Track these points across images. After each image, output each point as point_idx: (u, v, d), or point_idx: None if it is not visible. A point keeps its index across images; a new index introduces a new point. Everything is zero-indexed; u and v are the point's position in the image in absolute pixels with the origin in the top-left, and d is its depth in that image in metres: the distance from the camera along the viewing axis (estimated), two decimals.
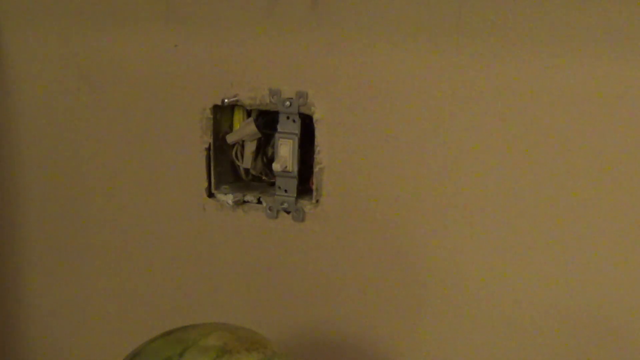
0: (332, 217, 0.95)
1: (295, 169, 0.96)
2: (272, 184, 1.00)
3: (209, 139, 0.98)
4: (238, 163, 1.01)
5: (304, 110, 0.93)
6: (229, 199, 0.99)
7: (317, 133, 0.94)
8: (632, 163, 0.82)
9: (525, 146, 0.85)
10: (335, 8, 0.89)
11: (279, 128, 0.96)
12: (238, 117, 1.00)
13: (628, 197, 0.83)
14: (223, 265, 1.02)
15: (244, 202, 1.00)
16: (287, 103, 0.93)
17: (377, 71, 0.89)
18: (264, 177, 1.02)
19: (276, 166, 0.95)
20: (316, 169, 0.95)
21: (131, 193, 1.04)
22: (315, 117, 0.93)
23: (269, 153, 1.00)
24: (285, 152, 0.95)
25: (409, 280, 0.94)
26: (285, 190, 0.97)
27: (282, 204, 0.97)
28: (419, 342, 0.95)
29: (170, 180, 1.01)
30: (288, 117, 0.95)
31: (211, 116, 0.97)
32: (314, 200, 0.96)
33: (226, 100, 0.96)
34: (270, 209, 0.98)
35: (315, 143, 0.94)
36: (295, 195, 0.97)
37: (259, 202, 0.99)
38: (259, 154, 1.00)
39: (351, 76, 0.90)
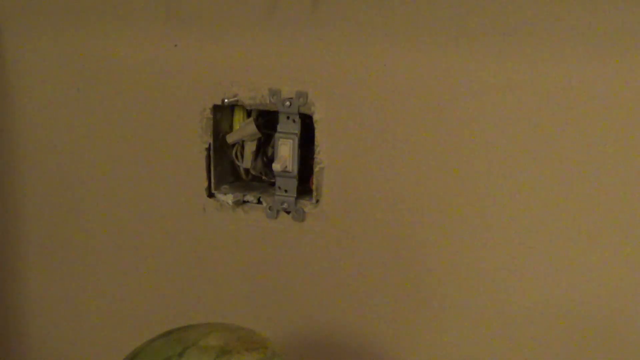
0: (332, 217, 0.95)
1: (295, 169, 0.96)
2: (272, 184, 1.00)
3: (209, 139, 0.98)
4: (238, 163, 1.01)
5: (304, 110, 0.93)
6: (229, 199, 0.99)
7: (317, 133, 0.94)
8: (632, 163, 0.82)
9: (525, 146, 0.85)
10: (335, 8, 0.89)
11: (279, 128, 0.96)
12: (238, 117, 1.00)
13: (628, 197, 0.83)
14: (223, 265, 1.02)
15: (244, 202, 1.00)
16: (287, 103, 0.93)
17: (377, 71, 0.89)
18: (264, 177, 1.02)
19: (276, 166, 0.95)
20: (316, 169, 0.95)
21: (131, 193, 1.04)
22: (315, 117, 0.93)
23: (269, 153, 1.00)
24: (285, 152, 0.95)
25: (409, 279, 0.94)
26: (285, 190, 0.97)
27: (282, 204, 0.97)
28: (419, 341, 0.95)
29: (170, 181, 1.01)
30: (288, 117, 0.95)
31: (211, 116, 0.97)
32: (314, 200, 0.96)
33: (226, 100, 0.96)
34: (270, 209, 0.98)
35: (315, 143, 0.94)
36: (295, 195, 0.97)
37: (259, 202, 0.99)
38: (259, 154, 1.00)
39: (351, 76, 0.90)
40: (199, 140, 0.99)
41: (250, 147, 0.99)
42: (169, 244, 1.04)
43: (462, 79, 0.86)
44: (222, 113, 0.99)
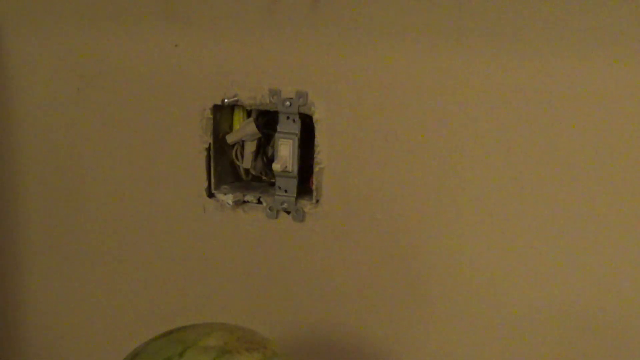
0: (332, 217, 0.95)
1: (295, 169, 0.96)
2: (272, 184, 1.00)
3: (209, 139, 0.98)
4: (238, 163, 1.01)
5: (304, 110, 0.93)
6: (229, 199, 0.99)
7: (317, 133, 0.94)
8: (631, 163, 0.82)
9: (525, 146, 0.85)
10: (335, 8, 0.89)
11: (279, 128, 0.96)
12: (238, 117, 1.00)
13: (628, 197, 0.83)
14: (223, 265, 1.02)
15: (244, 202, 1.00)
16: (287, 103, 0.93)
17: (377, 71, 0.89)
18: (264, 177, 1.02)
19: (276, 166, 0.95)
20: (316, 169, 0.95)
21: (131, 193, 1.04)
22: (315, 117, 0.93)
23: (269, 153, 1.00)
24: (285, 152, 0.95)
25: (409, 280, 0.94)
26: (285, 190, 0.97)
27: (282, 204, 0.97)
28: (419, 342, 0.95)
29: (170, 180, 1.01)
30: (288, 117, 0.95)
31: (211, 116, 0.97)
32: (314, 200, 0.96)
33: (226, 100, 0.96)
34: (270, 209, 0.98)
35: (315, 143, 0.94)
36: (295, 195, 0.97)
37: (259, 202, 0.99)
38: (259, 154, 1.00)
39: (351, 76, 0.90)
40: (199, 140, 0.99)
41: (250, 147, 0.99)
42: (169, 244, 1.04)
43: (462, 79, 0.86)
44: (222, 113, 0.99)
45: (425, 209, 0.91)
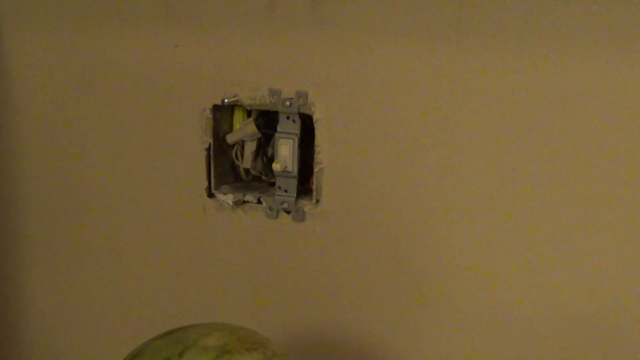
0: (332, 217, 0.95)
1: (295, 169, 0.96)
2: (272, 184, 1.00)
3: (209, 139, 0.98)
4: (238, 163, 1.01)
5: (304, 110, 0.93)
6: (229, 199, 0.99)
7: (317, 133, 0.94)
8: (631, 163, 0.82)
9: (525, 146, 0.85)
10: (335, 8, 0.89)
11: (279, 128, 0.96)
12: (238, 117, 1.00)
13: (628, 197, 0.83)
14: (223, 265, 1.02)
15: (244, 202, 1.00)
16: (287, 103, 0.93)
17: (377, 71, 0.89)
18: (264, 177, 1.02)
19: (276, 166, 0.95)
20: (316, 169, 0.95)
21: (131, 193, 1.04)
22: (315, 117, 0.93)
23: (269, 153, 1.00)
24: (285, 152, 0.95)
25: (409, 280, 0.94)
26: (285, 190, 0.97)
27: (282, 204, 0.97)
28: (418, 342, 0.95)
29: (170, 181, 1.01)
30: (288, 117, 0.95)
31: (211, 116, 0.97)
32: (314, 200, 0.96)
33: (226, 100, 0.96)
34: (270, 209, 0.98)
35: (315, 143, 0.94)
36: (295, 195, 0.97)
37: (259, 202, 0.99)
38: (259, 154, 1.00)
39: (351, 76, 0.90)
40: (199, 140, 0.99)
41: (250, 147, 0.99)
42: (169, 244, 1.04)
43: (462, 79, 0.86)
44: (222, 113, 0.99)
45: (424, 209, 0.91)
